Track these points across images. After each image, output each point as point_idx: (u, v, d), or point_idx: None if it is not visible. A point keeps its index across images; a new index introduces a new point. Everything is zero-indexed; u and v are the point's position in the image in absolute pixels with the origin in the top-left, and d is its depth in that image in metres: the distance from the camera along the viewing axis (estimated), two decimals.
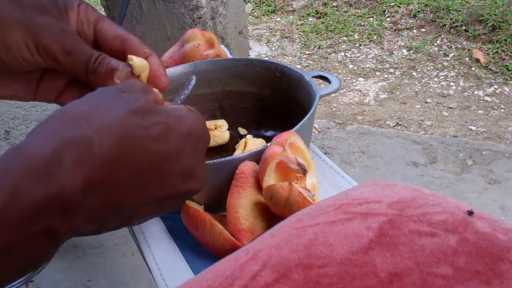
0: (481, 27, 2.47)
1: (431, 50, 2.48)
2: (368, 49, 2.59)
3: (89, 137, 0.33)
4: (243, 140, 0.69)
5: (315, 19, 2.91)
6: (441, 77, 2.30)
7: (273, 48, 2.72)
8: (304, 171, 0.53)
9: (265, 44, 2.76)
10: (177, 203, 0.41)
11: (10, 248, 0.29)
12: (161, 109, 0.38)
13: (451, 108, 2.09)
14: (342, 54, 2.58)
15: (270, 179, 0.52)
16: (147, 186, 0.36)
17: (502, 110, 2.05)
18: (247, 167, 0.54)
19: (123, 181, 0.34)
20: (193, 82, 0.44)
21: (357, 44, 2.63)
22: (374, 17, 2.81)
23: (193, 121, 0.40)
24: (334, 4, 2.97)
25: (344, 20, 2.82)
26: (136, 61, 0.48)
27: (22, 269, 0.31)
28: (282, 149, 0.53)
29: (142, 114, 0.36)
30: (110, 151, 0.33)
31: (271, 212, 0.55)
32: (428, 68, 2.38)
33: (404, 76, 2.35)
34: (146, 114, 0.36)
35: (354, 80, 2.37)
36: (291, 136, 0.56)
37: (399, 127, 2.00)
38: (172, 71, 0.75)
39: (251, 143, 0.67)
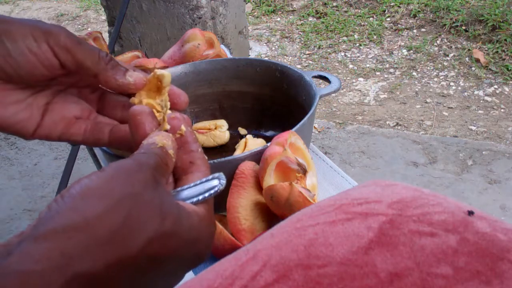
0: (481, 27, 2.47)
1: (431, 50, 2.48)
2: (368, 49, 2.59)
3: (97, 274, 0.28)
4: (243, 140, 0.69)
5: (315, 19, 2.91)
6: (441, 77, 2.30)
7: (273, 48, 2.72)
8: (304, 171, 0.53)
9: (265, 44, 2.76)
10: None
11: None
12: (185, 227, 0.33)
13: (451, 108, 2.09)
14: (342, 54, 2.58)
15: (270, 179, 0.52)
16: None
17: (502, 110, 2.05)
18: (247, 167, 0.54)
19: None
20: (223, 182, 0.36)
21: (357, 44, 2.63)
22: (374, 17, 2.81)
23: (207, 243, 0.36)
24: (334, 4, 2.98)
25: (344, 20, 2.82)
26: (163, 71, 0.44)
27: None
28: (282, 149, 0.53)
29: (166, 238, 0.31)
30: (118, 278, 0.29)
31: (271, 212, 0.55)
32: (428, 68, 2.38)
33: (404, 76, 2.35)
34: (169, 239, 0.32)
35: (354, 80, 2.37)
36: (291, 136, 0.56)
37: (399, 127, 2.00)
38: (172, 71, 0.75)
39: (251, 143, 0.67)
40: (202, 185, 0.36)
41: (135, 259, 0.30)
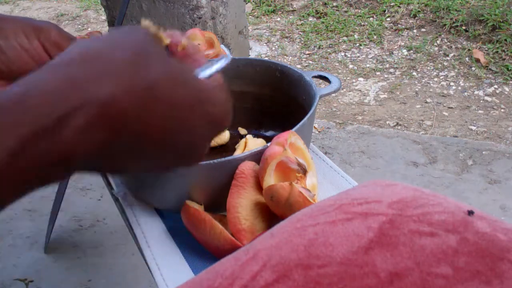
0: (481, 27, 2.47)
1: (431, 50, 2.48)
2: (368, 49, 2.59)
3: (113, 96, 0.29)
4: (243, 140, 0.69)
5: (315, 19, 2.91)
6: (441, 77, 2.30)
7: (273, 48, 2.72)
8: (304, 171, 0.53)
9: (265, 44, 2.76)
10: (167, 167, 0.38)
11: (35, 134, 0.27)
12: (193, 86, 0.35)
13: (451, 108, 2.09)
14: (342, 54, 2.58)
15: (270, 179, 0.52)
16: (148, 150, 0.33)
17: (502, 110, 2.05)
18: (247, 167, 0.54)
19: (130, 139, 0.32)
20: (230, 57, 0.40)
21: (357, 44, 2.63)
22: (374, 17, 2.81)
23: (220, 108, 0.37)
24: (334, 4, 2.97)
25: (344, 20, 2.82)
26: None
27: (30, 180, 0.29)
28: (282, 149, 0.53)
29: (174, 82, 0.33)
30: (127, 114, 0.30)
31: (271, 212, 0.55)
32: (428, 68, 2.37)
33: (404, 76, 2.35)
34: (179, 87, 0.33)
35: (354, 80, 2.37)
36: (291, 136, 0.56)
37: (399, 127, 2.00)
38: None
39: (251, 143, 0.67)
40: (214, 63, 0.39)
41: (149, 91, 0.31)
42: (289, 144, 0.55)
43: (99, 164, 0.32)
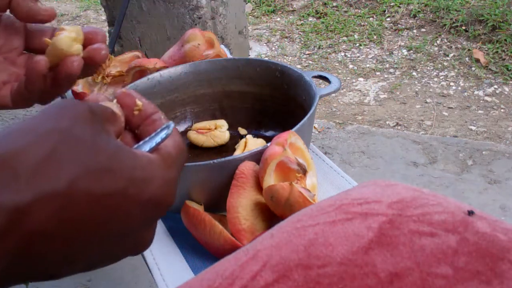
0: (481, 27, 2.47)
1: (431, 50, 2.48)
2: (368, 49, 2.59)
3: (21, 208, 0.26)
4: (243, 140, 0.69)
5: (315, 19, 2.91)
6: (441, 77, 2.30)
7: (273, 48, 2.72)
8: (304, 171, 0.53)
9: (265, 44, 2.76)
10: (110, 262, 0.34)
11: None
12: (126, 165, 0.31)
13: (451, 108, 2.09)
14: (342, 54, 2.58)
15: (270, 179, 0.52)
16: (79, 261, 0.30)
17: (502, 110, 2.05)
18: (247, 167, 0.54)
19: (52, 262, 0.29)
20: (171, 127, 0.36)
21: (357, 44, 2.63)
22: (374, 17, 2.81)
23: (160, 185, 0.32)
24: (334, 4, 2.97)
25: (344, 20, 2.82)
26: (68, 27, 0.43)
27: None
28: (282, 149, 0.53)
29: (100, 174, 0.29)
30: (43, 225, 0.27)
31: (271, 212, 0.55)
32: (428, 68, 2.37)
33: (404, 76, 2.35)
34: (105, 175, 0.29)
35: (354, 80, 2.37)
36: (291, 136, 0.56)
37: (399, 127, 2.00)
38: (172, 71, 0.75)
39: (251, 143, 0.67)
40: (155, 136, 0.35)
41: (68, 197, 0.27)
42: (289, 144, 0.55)
43: (26, 275, 0.29)
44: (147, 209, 0.32)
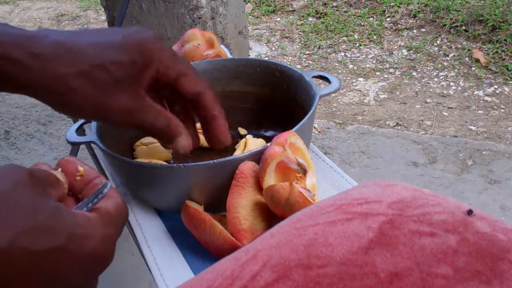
0: (481, 27, 2.47)
1: (431, 50, 2.48)
2: (368, 49, 2.59)
3: None
4: (243, 140, 0.69)
5: (315, 19, 2.91)
6: (441, 77, 2.30)
7: (273, 48, 2.72)
8: (304, 171, 0.53)
9: (265, 44, 2.76)
10: None
11: None
12: (64, 223, 0.33)
13: (451, 108, 2.09)
14: (342, 54, 2.58)
15: (270, 179, 0.52)
16: None
17: (502, 110, 2.05)
18: (247, 167, 0.54)
19: None
20: (108, 188, 0.38)
21: (357, 44, 2.63)
22: (374, 17, 2.81)
23: (99, 241, 0.34)
24: (334, 4, 2.97)
25: (344, 20, 2.82)
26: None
27: None
28: (282, 149, 0.53)
29: (39, 232, 0.31)
30: None
31: (271, 212, 0.55)
32: (428, 68, 2.38)
33: (404, 76, 2.35)
34: (44, 233, 0.31)
35: (354, 80, 2.37)
36: (291, 136, 0.56)
37: (399, 127, 2.00)
38: None
39: (251, 143, 0.67)
40: (93, 196, 0.38)
41: (8, 254, 0.29)
42: (289, 144, 0.55)
43: None
44: (87, 264, 0.34)
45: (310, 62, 2.56)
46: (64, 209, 0.34)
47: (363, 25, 2.76)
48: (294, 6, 3.06)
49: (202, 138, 0.74)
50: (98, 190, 0.38)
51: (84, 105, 0.43)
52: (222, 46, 0.85)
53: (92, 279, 0.35)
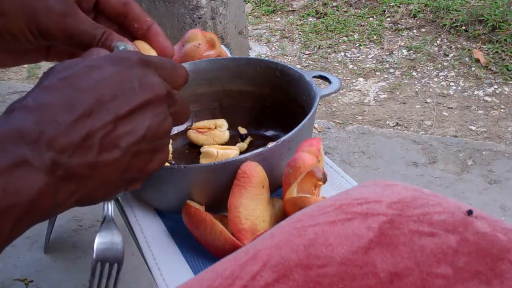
0: (481, 27, 2.47)
1: (431, 50, 2.48)
2: (368, 49, 2.59)
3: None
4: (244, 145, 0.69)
5: (315, 19, 2.91)
6: (441, 77, 2.30)
7: (273, 48, 2.72)
8: (325, 180, 0.53)
9: (265, 44, 2.76)
10: (155, 159, 0.41)
11: None
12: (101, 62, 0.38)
13: (451, 108, 2.09)
14: (342, 54, 2.58)
15: (295, 188, 0.53)
16: (104, 110, 0.36)
17: (502, 110, 2.05)
18: (250, 167, 0.54)
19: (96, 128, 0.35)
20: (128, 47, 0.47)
21: (357, 44, 2.63)
22: (374, 17, 2.81)
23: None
24: (334, 4, 2.97)
25: (344, 20, 2.82)
26: (141, 46, 0.50)
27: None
28: (316, 160, 0.53)
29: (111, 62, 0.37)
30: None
31: (272, 212, 0.55)
32: (428, 68, 2.38)
33: (404, 76, 2.35)
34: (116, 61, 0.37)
35: (354, 80, 2.37)
36: (321, 145, 0.56)
37: (399, 127, 2.00)
38: None
39: (222, 154, 0.67)
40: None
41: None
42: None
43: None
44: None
45: (310, 62, 2.56)
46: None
47: (363, 25, 2.76)
48: (294, 6, 3.06)
49: (202, 137, 0.74)
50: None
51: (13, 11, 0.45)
52: (223, 46, 0.85)
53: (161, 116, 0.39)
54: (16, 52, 0.50)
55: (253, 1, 3.14)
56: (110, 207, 0.64)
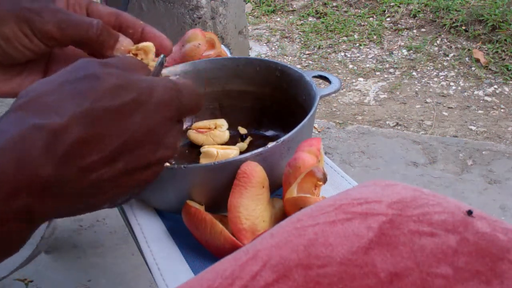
0: (481, 27, 2.47)
1: (431, 50, 2.48)
2: (368, 49, 2.59)
3: (58, 124, 0.33)
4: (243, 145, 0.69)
5: (315, 19, 2.91)
6: (441, 77, 2.30)
7: (273, 48, 2.72)
8: (325, 180, 0.53)
9: (265, 44, 2.76)
10: (149, 174, 0.42)
11: None
12: (133, 81, 0.38)
13: (451, 108, 2.09)
14: (342, 54, 2.58)
15: (295, 188, 0.53)
16: (118, 161, 0.37)
17: (502, 110, 2.05)
18: (250, 167, 0.54)
19: (94, 163, 0.35)
20: (161, 59, 0.47)
21: (357, 44, 2.63)
22: (374, 17, 2.81)
23: (163, 91, 0.39)
24: (334, 4, 2.97)
25: (344, 20, 2.82)
26: (145, 46, 0.51)
27: None
28: (316, 160, 0.53)
29: (113, 92, 0.36)
30: (80, 138, 0.34)
31: (272, 212, 0.55)
32: (428, 68, 2.38)
33: (404, 76, 2.35)
34: (118, 91, 0.36)
35: (354, 80, 2.37)
36: (321, 145, 0.56)
37: (399, 127, 2.00)
38: (171, 70, 0.75)
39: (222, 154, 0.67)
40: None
41: (91, 114, 0.35)
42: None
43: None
44: (162, 110, 0.39)
45: (310, 62, 2.56)
46: (131, 74, 0.39)
47: (363, 25, 2.76)
48: (294, 6, 3.06)
49: (202, 137, 0.74)
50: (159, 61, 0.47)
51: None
52: (223, 46, 0.85)
53: (170, 127, 0.40)
54: (12, 70, 0.49)
55: (253, 1, 3.14)
56: None
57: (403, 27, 2.69)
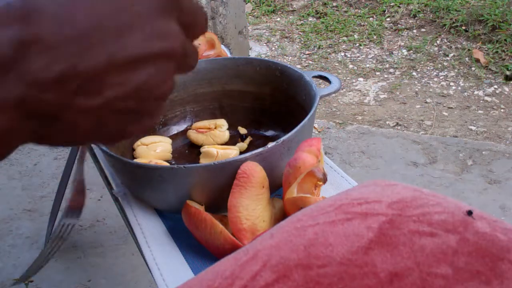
0: (481, 27, 2.47)
1: (431, 50, 2.48)
2: (368, 49, 2.59)
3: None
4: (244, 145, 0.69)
5: (315, 19, 2.91)
6: (441, 77, 2.30)
7: (273, 48, 2.72)
8: (325, 180, 0.53)
9: (265, 44, 2.76)
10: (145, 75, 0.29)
11: None
12: None
13: (451, 108, 2.09)
14: (342, 54, 2.58)
15: (295, 188, 0.53)
16: (101, 45, 0.27)
17: (502, 110, 2.05)
18: (249, 167, 0.54)
19: (69, 38, 0.26)
20: None
21: (357, 44, 2.63)
22: (374, 17, 2.81)
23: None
24: (334, 4, 2.97)
25: (344, 20, 2.82)
26: None
27: None
28: (316, 160, 0.53)
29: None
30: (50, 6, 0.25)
31: (272, 212, 0.55)
32: (428, 68, 2.37)
33: (404, 76, 2.35)
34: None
35: (354, 80, 2.37)
36: (321, 145, 0.56)
37: (399, 127, 2.00)
38: None
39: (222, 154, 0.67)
40: None
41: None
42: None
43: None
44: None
45: (310, 62, 2.56)
46: None
47: (363, 25, 2.76)
48: (294, 6, 3.06)
49: (202, 137, 0.74)
50: None
51: None
52: (222, 46, 0.85)
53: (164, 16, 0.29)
54: None
55: (253, 1, 3.14)
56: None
57: (403, 27, 2.69)
